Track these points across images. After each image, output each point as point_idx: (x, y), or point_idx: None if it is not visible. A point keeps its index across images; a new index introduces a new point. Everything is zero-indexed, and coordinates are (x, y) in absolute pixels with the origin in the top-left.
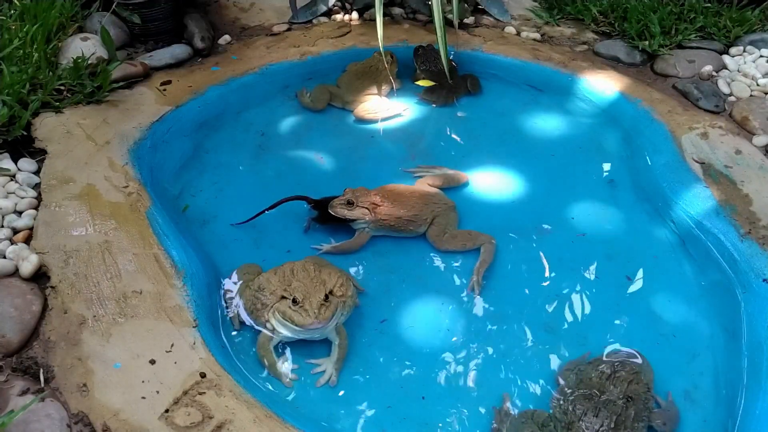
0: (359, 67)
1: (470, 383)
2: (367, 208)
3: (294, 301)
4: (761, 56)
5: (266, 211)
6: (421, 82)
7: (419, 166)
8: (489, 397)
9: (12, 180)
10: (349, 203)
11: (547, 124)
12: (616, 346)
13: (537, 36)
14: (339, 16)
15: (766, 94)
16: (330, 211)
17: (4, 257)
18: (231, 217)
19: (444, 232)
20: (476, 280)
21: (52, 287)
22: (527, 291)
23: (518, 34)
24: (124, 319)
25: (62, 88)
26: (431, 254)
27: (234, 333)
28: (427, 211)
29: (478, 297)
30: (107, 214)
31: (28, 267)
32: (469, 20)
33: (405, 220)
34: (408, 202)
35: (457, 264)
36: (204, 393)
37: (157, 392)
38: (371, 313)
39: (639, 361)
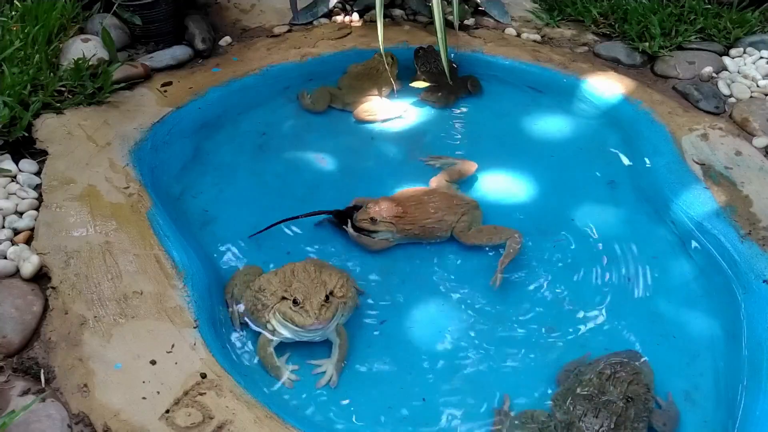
0: (360, 68)
1: (470, 384)
2: (391, 222)
3: (295, 301)
4: (761, 57)
5: (286, 221)
6: (419, 84)
7: (430, 155)
8: (489, 397)
9: (13, 181)
10: (373, 220)
11: (547, 125)
12: (616, 346)
13: (537, 37)
14: (339, 18)
15: (766, 95)
16: (356, 224)
17: (5, 258)
18: (231, 218)
19: (469, 228)
20: (499, 270)
21: (52, 288)
22: (527, 292)
23: (518, 35)
24: (124, 319)
25: (63, 89)
26: (432, 255)
27: (234, 334)
28: (451, 214)
29: (478, 298)
30: (108, 215)
31: (29, 268)
32: (470, 22)
33: (429, 228)
34: (431, 209)
35: (457, 265)
36: (204, 393)
37: (158, 393)
38: (371, 314)
39: (639, 361)
